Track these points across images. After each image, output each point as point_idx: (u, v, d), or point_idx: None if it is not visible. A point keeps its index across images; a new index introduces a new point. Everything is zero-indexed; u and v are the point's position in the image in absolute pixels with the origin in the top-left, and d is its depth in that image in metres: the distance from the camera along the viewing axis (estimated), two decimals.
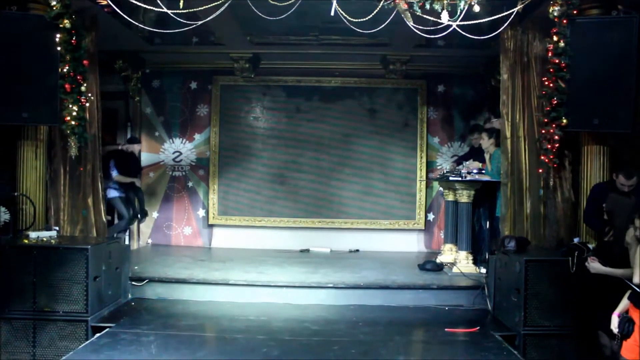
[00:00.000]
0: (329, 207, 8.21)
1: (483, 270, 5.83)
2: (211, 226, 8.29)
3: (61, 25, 5.01)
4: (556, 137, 5.07)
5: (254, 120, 8.31)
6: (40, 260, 4.60)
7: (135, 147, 7.79)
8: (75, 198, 5.62)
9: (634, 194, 4.35)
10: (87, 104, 5.47)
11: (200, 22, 4.85)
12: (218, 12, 4.68)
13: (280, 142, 8.26)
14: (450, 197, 6.64)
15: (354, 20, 4.78)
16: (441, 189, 7.34)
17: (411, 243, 8.23)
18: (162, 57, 8.03)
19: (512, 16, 5.05)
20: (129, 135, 8.22)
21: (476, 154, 6.81)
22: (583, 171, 5.19)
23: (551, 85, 5.05)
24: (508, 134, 5.55)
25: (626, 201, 4.01)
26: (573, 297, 4.44)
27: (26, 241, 4.80)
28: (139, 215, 7.64)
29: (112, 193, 7.25)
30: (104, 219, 5.91)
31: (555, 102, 5.01)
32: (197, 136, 8.32)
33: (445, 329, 4.63)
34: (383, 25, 4.98)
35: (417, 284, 5.60)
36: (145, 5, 4.69)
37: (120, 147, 7.63)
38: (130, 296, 5.50)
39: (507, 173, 5.55)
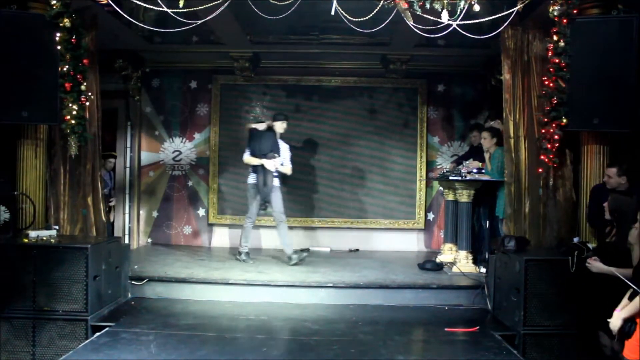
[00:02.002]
0: (328, 206, 8.21)
1: (483, 270, 5.83)
2: (211, 225, 8.29)
3: (61, 24, 5.02)
4: (556, 137, 5.07)
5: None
6: (40, 259, 4.59)
7: (276, 125, 6.68)
8: (75, 197, 5.62)
9: (635, 193, 4.34)
10: (87, 103, 5.47)
11: (200, 22, 4.85)
12: (218, 12, 4.68)
13: None
14: (450, 197, 6.64)
15: (354, 19, 4.77)
16: (441, 188, 7.34)
17: (411, 242, 8.23)
18: (162, 56, 8.02)
19: (512, 15, 5.05)
20: (129, 135, 8.22)
21: (476, 153, 6.80)
22: (583, 170, 5.19)
23: (551, 84, 5.05)
24: (511, 134, 5.54)
25: (629, 201, 4.00)
26: (573, 297, 4.43)
27: (26, 240, 4.80)
28: (265, 204, 6.47)
29: (249, 179, 6.64)
30: (104, 218, 5.91)
31: (556, 101, 5.02)
32: (197, 135, 8.32)
33: (445, 329, 4.62)
34: (383, 25, 4.98)
35: (417, 283, 5.60)
36: (145, 5, 4.69)
37: (252, 126, 6.75)
38: (130, 295, 5.50)
39: (511, 172, 5.54)
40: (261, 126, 6.64)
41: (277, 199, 6.54)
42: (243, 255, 6.63)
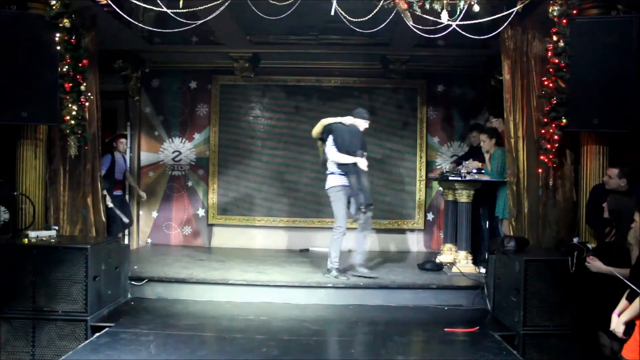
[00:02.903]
0: (328, 206, 8.10)
1: (482, 270, 5.83)
2: (211, 226, 8.28)
3: (61, 25, 5.03)
4: (556, 137, 5.07)
5: (254, 120, 8.31)
6: (40, 259, 4.59)
7: (360, 123, 5.94)
8: (75, 197, 5.62)
9: (634, 193, 4.35)
10: (87, 104, 5.47)
11: (199, 22, 4.85)
12: (218, 12, 4.68)
13: (279, 142, 8.25)
14: (450, 197, 6.64)
15: (354, 19, 4.78)
16: (441, 188, 7.34)
17: (410, 243, 8.22)
18: (161, 57, 8.02)
19: (512, 16, 5.04)
20: (128, 135, 8.20)
21: (475, 153, 6.80)
22: (582, 171, 5.19)
23: (551, 85, 5.05)
24: (512, 134, 5.54)
25: (628, 201, 4.01)
26: (572, 297, 4.44)
27: (25, 241, 4.80)
28: (360, 208, 5.67)
29: (333, 180, 5.80)
30: (104, 219, 5.91)
31: (555, 101, 5.02)
32: (196, 136, 8.31)
33: (445, 329, 4.62)
34: (383, 25, 4.98)
35: (416, 283, 5.59)
36: (145, 5, 4.69)
37: (338, 121, 5.96)
38: (129, 296, 5.50)
39: (513, 172, 5.54)
40: (348, 120, 5.91)
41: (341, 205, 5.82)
42: (334, 272, 5.66)
